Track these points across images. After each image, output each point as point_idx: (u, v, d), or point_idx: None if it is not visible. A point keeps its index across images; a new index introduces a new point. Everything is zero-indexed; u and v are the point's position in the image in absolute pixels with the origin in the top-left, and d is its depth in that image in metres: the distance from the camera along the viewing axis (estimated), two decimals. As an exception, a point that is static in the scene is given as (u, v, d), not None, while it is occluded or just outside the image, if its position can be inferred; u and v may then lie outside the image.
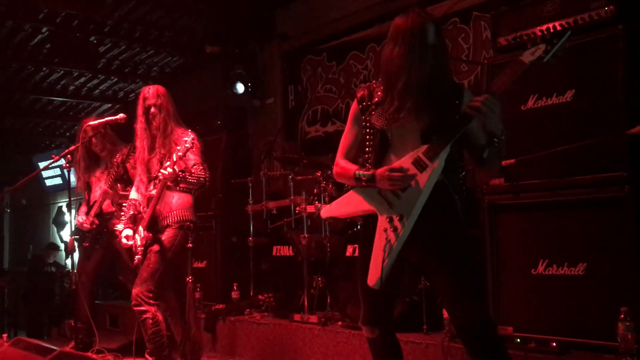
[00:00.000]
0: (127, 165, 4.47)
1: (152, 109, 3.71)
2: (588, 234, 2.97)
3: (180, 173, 3.51)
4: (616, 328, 2.74)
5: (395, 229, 2.28)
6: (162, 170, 3.51)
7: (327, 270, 4.20)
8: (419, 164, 2.29)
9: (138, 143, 3.78)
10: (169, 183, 3.58)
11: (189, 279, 3.62)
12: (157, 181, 3.66)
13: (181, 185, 3.64)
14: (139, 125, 3.77)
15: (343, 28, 5.72)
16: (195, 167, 3.66)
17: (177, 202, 3.73)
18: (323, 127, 6.00)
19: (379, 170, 2.33)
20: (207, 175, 3.72)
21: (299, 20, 6.13)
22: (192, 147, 3.59)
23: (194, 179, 3.63)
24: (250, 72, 6.27)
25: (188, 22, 6.22)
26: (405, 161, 2.32)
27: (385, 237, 2.30)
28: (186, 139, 3.56)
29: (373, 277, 2.30)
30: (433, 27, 2.32)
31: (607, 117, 2.93)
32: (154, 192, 3.67)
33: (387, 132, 2.39)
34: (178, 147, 3.53)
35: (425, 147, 2.30)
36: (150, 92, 3.76)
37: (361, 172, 2.40)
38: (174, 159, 3.48)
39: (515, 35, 3.32)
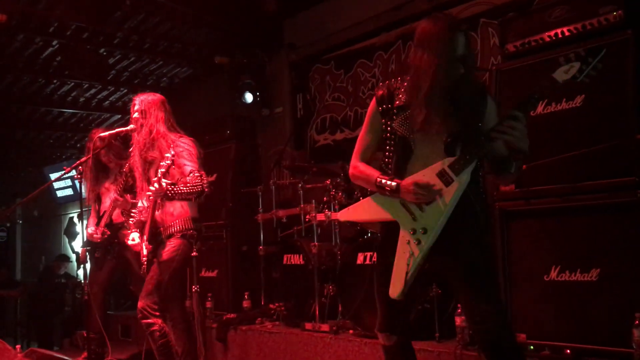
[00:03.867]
0: (135, 174, 4.47)
1: (140, 121, 3.71)
2: (600, 239, 2.95)
3: (169, 188, 3.42)
4: (631, 334, 2.72)
5: (418, 242, 2.27)
6: (150, 187, 3.47)
7: (337, 278, 4.19)
8: (444, 178, 2.25)
9: (135, 156, 3.76)
10: (158, 200, 3.56)
11: (195, 287, 3.59)
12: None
13: (175, 198, 3.52)
14: (134, 138, 3.77)
15: (350, 37, 5.73)
16: (191, 175, 3.55)
17: (178, 211, 3.71)
18: (332, 135, 6.00)
19: (404, 182, 2.29)
20: (205, 183, 3.54)
21: (306, 30, 6.15)
22: (182, 155, 3.55)
23: (188, 190, 3.48)
24: (259, 82, 6.30)
25: (196, 33, 6.26)
26: (429, 172, 2.27)
27: (409, 250, 2.28)
28: (167, 155, 3.52)
29: (396, 289, 2.30)
30: (463, 37, 2.24)
31: (617, 121, 2.92)
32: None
33: (410, 140, 2.34)
34: (162, 163, 3.49)
35: (451, 159, 2.25)
36: (136, 105, 3.76)
37: (385, 181, 2.34)
38: (159, 175, 3.42)
39: (523, 41, 3.32)
